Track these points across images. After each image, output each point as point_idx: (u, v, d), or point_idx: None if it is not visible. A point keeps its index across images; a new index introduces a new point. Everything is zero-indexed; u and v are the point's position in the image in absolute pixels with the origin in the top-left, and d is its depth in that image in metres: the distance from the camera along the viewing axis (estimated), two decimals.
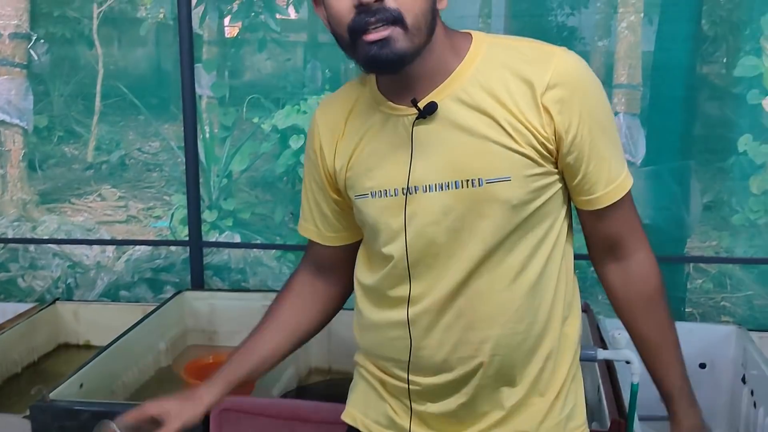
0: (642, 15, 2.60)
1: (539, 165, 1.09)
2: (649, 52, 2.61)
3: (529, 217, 1.12)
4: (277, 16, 2.78)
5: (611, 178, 1.14)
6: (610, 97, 2.57)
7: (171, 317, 2.44)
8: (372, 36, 1.01)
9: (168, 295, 2.64)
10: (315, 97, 2.75)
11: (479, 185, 1.08)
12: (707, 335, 2.22)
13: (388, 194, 1.14)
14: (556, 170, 1.12)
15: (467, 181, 1.09)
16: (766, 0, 2.47)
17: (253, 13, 2.78)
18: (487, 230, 1.10)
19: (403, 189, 1.12)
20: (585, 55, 2.98)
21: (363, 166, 1.17)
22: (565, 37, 3.11)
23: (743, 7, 2.57)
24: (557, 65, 1.08)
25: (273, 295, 2.50)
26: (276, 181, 2.82)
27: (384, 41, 1.01)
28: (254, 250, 2.86)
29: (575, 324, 1.23)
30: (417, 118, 1.10)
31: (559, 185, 1.15)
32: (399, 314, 1.17)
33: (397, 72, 1.07)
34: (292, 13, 3.19)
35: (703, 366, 2.23)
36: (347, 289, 1.36)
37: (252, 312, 2.49)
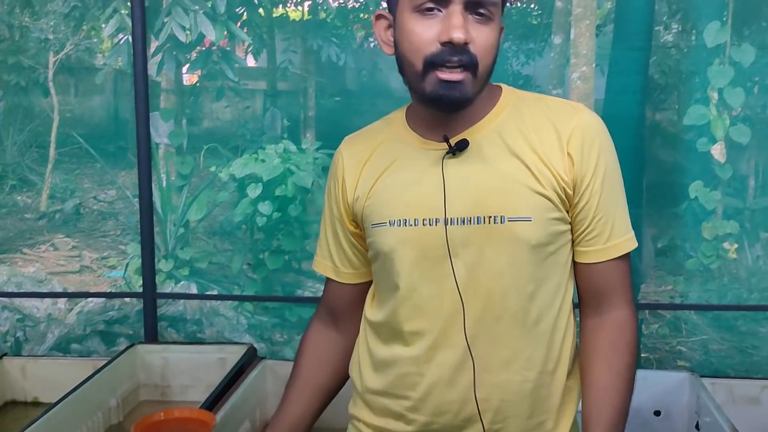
0: (594, 66, 2.66)
1: (558, 210, 1.13)
2: (602, 101, 2.66)
3: (546, 263, 1.15)
4: (236, 65, 2.80)
5: (613, 235, 1.17)
6: None
7: (123, 372, 2.37)
8: (446, 75, 1.06)
9: (121, 348, 2.58)
10: (273, 145, 2.75)
11: (501, 222, 1.11)
12: (661, 382, 2.23)
13: (407, 224, 1.16)
14: (569, 219, 1.16)
15: (490, 217, 1.12)
16: (711, 52, 2.54)
17: (211, 62, 2.78)
18: (506, 270, 1.12)
19: (424, 220, 1.14)
20: None
21: (384, 195, 1.19)
22: (521, 86, 3.18)
23: (691, 59, 2.65)
24: (581, 118, 1.15)
25: (229, 347, 2.53)
26: (234, 229, 2.80)
27: (456, 83, 1.07)
28: (211, 300, 2.82)
29: (578, 378, 1.23)
30: (447, 154, 1.14)
31: (570, 237, 1.18)
32: (412, 350, 1.18)
33: (454, 111, 1.13)
34: (251, 61, 3.21)
35: (657, 413, 2.23)
36: None
37: (207, 365, 2.47)
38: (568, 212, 1.16)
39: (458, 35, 1.04)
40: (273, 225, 2.74)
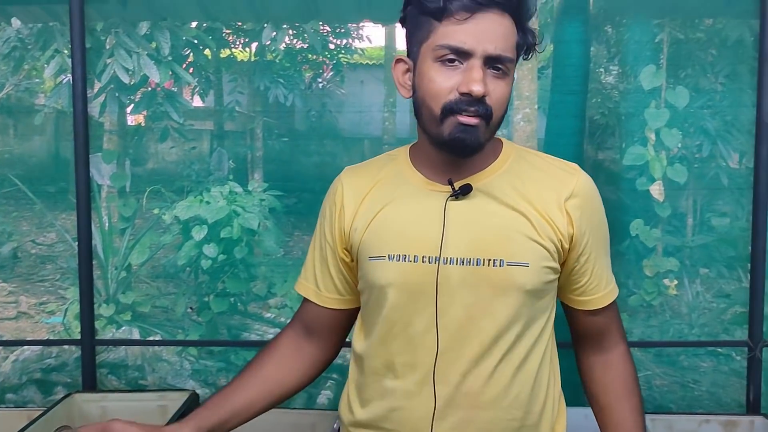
0: (537, 107, 2.73)
1: (552, 260, 1.22)
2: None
3: (535, 307, 1.23)
4: (181, 106, 2.78)
5: (608, 282, 1.32)
6: None
7: (59, 422, 2.29)
8: (466, 119, 1.14)
9: (58, 397, 2.49)
10: (219, 187, 2.73)
11: (500, 265, 1.18)
12: None
13: (407, 259, 1.20)
14: (559, 270, 1.25)
15: (489, 260, 1.18)
16: (648, 95, 2.64)
17: (156, 103, 2.76)
18: (500, 311, 1.19)
19: (423, 257, 1.19)
20: None
21: (384, 229, 1.24)
22: None
23: (629, 101, 2.73)
24: (579, 180, 1.25)
25: (171, 394, 2.46)
26: (178, 272, 2.75)
27: (473, 128, 1.14)
28: (153, 345, 2.76)
29: (563, 423, 1.32)
30: (451, 196, 1.21)
31: (555, 285, 1.27)
32: (403, 384, 1.23)
33: (467, 156, 1.20)
34: (197, 102, 3.19)
35: None
36: (332, 356, 1.42)
37: (147, 413, 2.39)
38: (562, 265, 1.25)
39: (478, 88, 1.11)
40: (218, 267, 2.70)
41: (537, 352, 1.24)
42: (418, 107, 1.21)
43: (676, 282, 2.73)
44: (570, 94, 2.45)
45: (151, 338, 2.74)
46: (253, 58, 2.90)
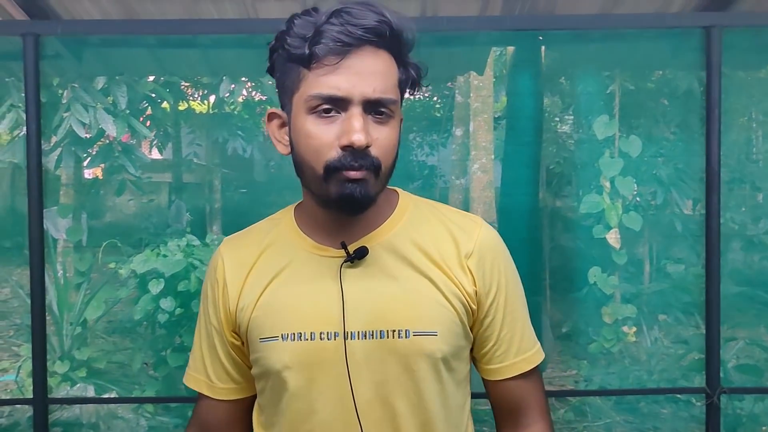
0: (493, 157, 2.78)
1: (461, 324, 1.10)
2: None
3: (451, 378, 1.11)
4: (138, 159, 2.78)
5: (522, 349, 1.16)
6: None
7: None
8: (353, 174, 1.01)
9: None
10: (177, 239, 2.72)
11: (406, 336, 1.06)
12: None
13: (302, 338, 1.07)
14: (471, 336, 1.14)
15: (394, 331, 1.06)
16: (601, 144, 2.68)
17: (113, 157, 2.76)
18: (410, 385, 1.07)
19: (321, 334, 1.07)
20: (444, 192, 3.15)
21: (276, 306, 1.10)
22: (426, 176, 3.27)
23: (583, 150, 2.79)
24: (480, 235, 1.13)
25: None
26: (135, 326, 2.72)
27: (361, 182, 1.02)
28: (108, 403, 2.71)
29: None
30: (345, 261, 1.08)
31: (468, 353, 1.16)
32: None
33: (358, 213, 1.07)
34: (156, 154, 3.20)
35: None
36: None
37: None
38: (471, 328, 1.13)
39: (359, 138, 0.99)
40: (175, 321, 2.68)
41: (459, 428, 1.14)
42: (298, 165, 1.08)
43: (635, 329, 2.76)
44: (524, 145, 2.50)
45: (106, 395, 2.69)
46: (211, 111, 2.92)
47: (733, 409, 2.61)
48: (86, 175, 2.87)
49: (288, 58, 1.04)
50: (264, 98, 2.87)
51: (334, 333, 1.07)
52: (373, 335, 1.06)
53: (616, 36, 2.36)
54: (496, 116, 2.97)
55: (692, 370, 2.58)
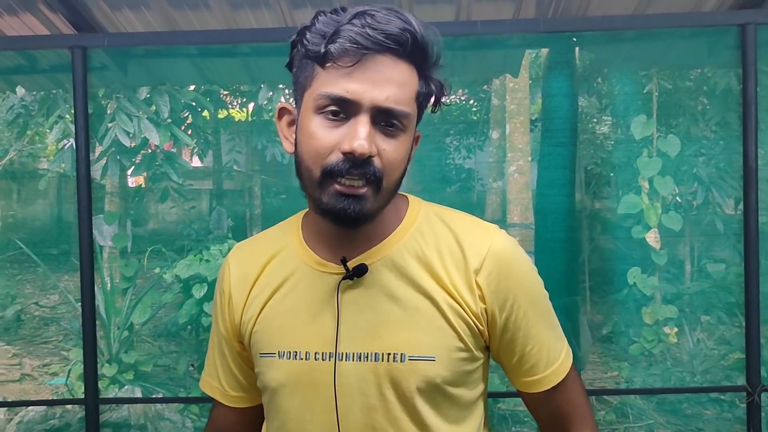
0: (530, 159, 2.83)
1: (465, 348, 1.03)
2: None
3: (455, 404, 1.05)
4: (181, 167, 2.90)
5: (551, 360, 1.09)
6: None
7: None
8: (345, 188, 0.95)
9: None
10: (218, 245, 2.83)
11: (401, 361, 1.01)
12: None
13: (298, 357, 1.04)
14: (481, 356, 1.07)
15: (388, 354, 1.01)
16: (639, 144, 2.72)
17: (155, 165, 2.88)
18: (403, 414, 1.02)
19: (316, 354, 1.02)
20: (481, 195, 3.21)
21: (274, 323, 1.07)
22: (463, 179, 3.34)
23: (620, 151, 2.83)
24: (491, 247, 1.04)
25: None
26: (179, 330, 2.84)
27: (358, 198, 0.96)
28: (155, 403, 2.83)
29: None
30: (343, 279, 1.03)
31: (481, 374, 1.09)
32: None
33: (352, 228, 1.01)
34: (196, 162, 3.32)
35: None
36: None
37: None
38: (485, 348, 1.08)
39: (361, 145, 0.93)
40: None
41: None
42: (298, 166, 1.02)
43: (676, 330, 2.79)
44: (559, 146, 2.55)
45: (152, 396, 2.81)
46: (250, 118, 3.03)
47: None
48: (130, 184, 3.00)
49: (305, 54, 0.99)
50: None
51: (329, 354, 1.02)
52: (366, 357, 1.01)
53: (650, 35, 2.40)
54: (533, 118, 3.03)
55: (735, 370, 2.60)
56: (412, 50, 0.97)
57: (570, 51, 2.52)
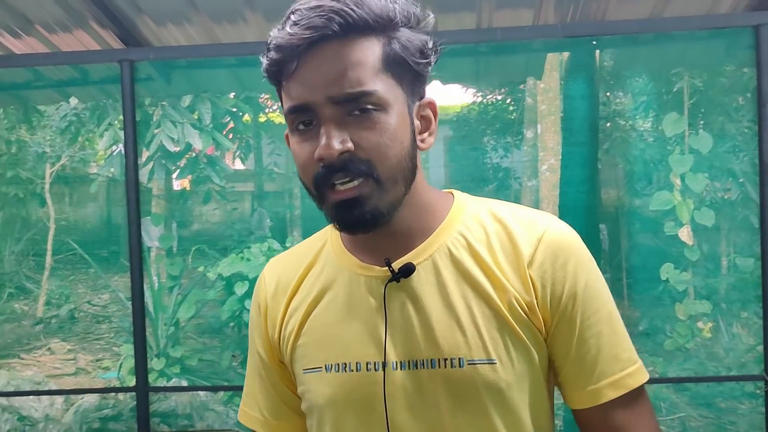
0: (560, 158, 3.06)
1: (523, 347, 0.97)
2: None
3: (518, 411, 0.99)
4: (222, 170, 3.20)
5: (607, 371, 0.98)
6: None
7: None
8: (339, 195, 0.92)
9: None
10: (259, 244, 3.12)
11: (459, 366, 0.95)
12: None
13: (348, 369, 0.99)
14: (537, 359, 0.99)
15: (446, 360, 0.96)
16: (669, 141, 2.92)
17: (199, 169, 3.19)
18: (466, 423, 0.97)
19: (368, 364, 0.98)
20: (517, 194, 3.45)
21: (318, 334, 1.02)
22: (500, 178, 3.56)
23: (654, 148, 3.02)
24: (545, 237, 0.98)
25: None
26: (222, 326, 3.12)
27: (355, 201, 0.92)
28: (201, 395, 3.10)
29: None
30: (390, 281, 0.98)
31: (541, 376, 1.01)
32: None
33: (371, 232, 0.96)
34: (238, 165, 3.64)
35: None
36: None
37: None
38: (545, 346, 1.00)
39: (325, 150, 0.90)
40: None
41: None
42: (304, 186, 0.99)
43: (710, 324, 2.95)
44: (577, 145, 2.74)
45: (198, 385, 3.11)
46: None
47: None
48: (175, 187, 3.33)
49: (267, 78, 0.98)
50: None
51: (382, 363, 0.98)
52: (423, 365, 0.97)
53: (667, 37, 2.60)
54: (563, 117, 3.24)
55: None
56: (350, 25, 0.91)
57: (590, 54, 2.74)
